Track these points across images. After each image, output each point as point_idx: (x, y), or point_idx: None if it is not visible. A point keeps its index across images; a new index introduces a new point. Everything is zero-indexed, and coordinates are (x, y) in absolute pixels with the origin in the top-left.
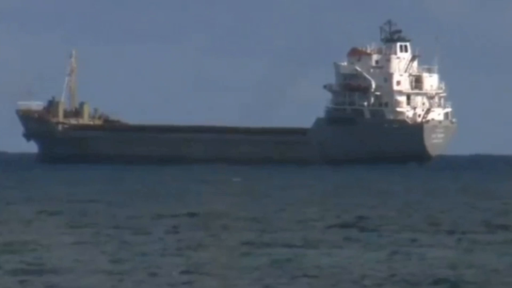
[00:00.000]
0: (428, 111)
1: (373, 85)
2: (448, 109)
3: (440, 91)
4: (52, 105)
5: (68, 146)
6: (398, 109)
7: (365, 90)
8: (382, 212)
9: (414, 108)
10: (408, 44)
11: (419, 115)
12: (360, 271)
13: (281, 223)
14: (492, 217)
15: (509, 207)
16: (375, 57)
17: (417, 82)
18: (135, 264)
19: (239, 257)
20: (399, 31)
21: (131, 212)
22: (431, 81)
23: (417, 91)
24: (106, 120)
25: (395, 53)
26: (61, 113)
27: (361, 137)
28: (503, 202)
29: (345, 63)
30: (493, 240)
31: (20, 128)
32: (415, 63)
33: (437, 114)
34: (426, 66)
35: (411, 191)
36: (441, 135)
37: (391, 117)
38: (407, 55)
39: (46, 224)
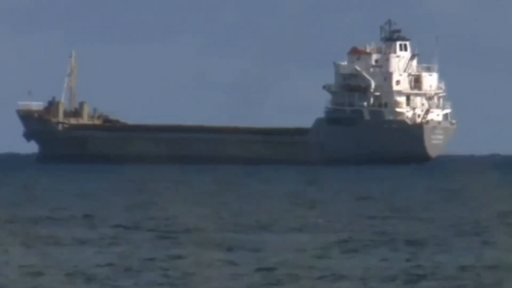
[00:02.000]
0: (427, 111)
1: (373, 85)
2: (448, 110)
3: (440, 91)
4: (52, 105)
5: (68, 146)
6: (398, 109)
7: (364, 90)
8: None
9: (414, 108)
10: (407, 43)
11: (419, 116)
12: None
13: None
14: None
15: None
16: (374, 56)
17: (417, 82)
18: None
19: None
20: (399, 31)
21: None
22: (430, 81)
23: (417, 91)
24: (106, 120)
25: (395, 52)
26: (61, 113)
27: (361, 138)
28: None
29: (345, 63)
30: None
31: (20, 128)
32: (414, 62)
33: (436, 115)
34: (425, 65)
35: None
36: (441, 136)
37: (391, 117)
38: (406, 54)
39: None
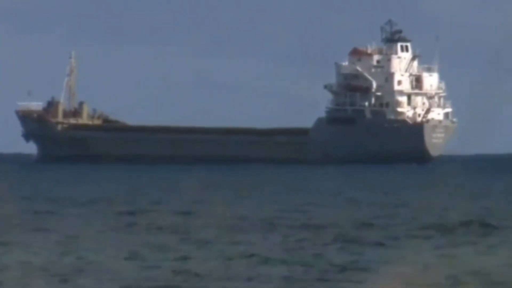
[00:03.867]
0: (428, 111)
1: (374, 85)
2: (448, 109)
3: (440, 91)
4: (51, 105)
5: (67, 146)
6: (399, 109)
7: (366, 90)
8: None
9: (414, 108)
10: (408, 44)
11: (419, 115)
12: None
13: None
14: None
15: None
16: (376, 57)
17: (417, 82)
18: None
19: None
20: (400, 31)
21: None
22: (431, 81)
23: (417, 91)
24: (105, 120)
25: (396, 53)
26: (60, 113)
27: (362, 137)
28: None
29: (346, 63)
30: None
31: (19, 129)
32: (415, 63)
33: (437, 114)
34: (426, 66)
35: None
36: (441, 135)
37: (392, 117)
38: (407, 55)
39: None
